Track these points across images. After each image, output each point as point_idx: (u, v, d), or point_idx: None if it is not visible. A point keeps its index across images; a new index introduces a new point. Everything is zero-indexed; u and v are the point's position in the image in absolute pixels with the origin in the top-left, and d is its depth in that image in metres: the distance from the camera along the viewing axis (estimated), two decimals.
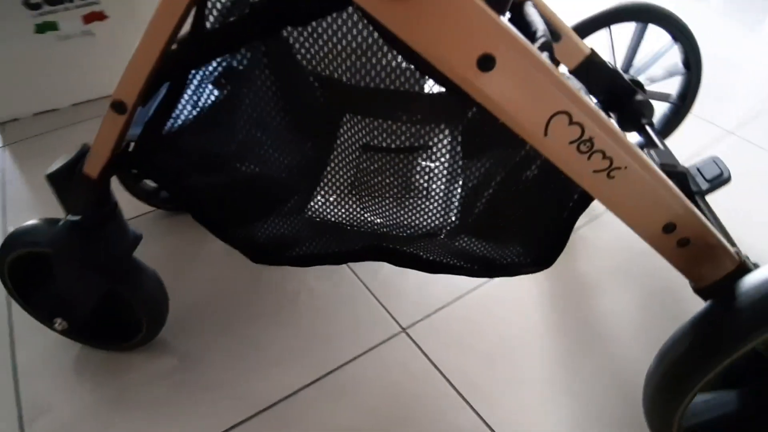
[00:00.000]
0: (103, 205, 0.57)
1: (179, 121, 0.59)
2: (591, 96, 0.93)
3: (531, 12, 0.73)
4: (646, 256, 0.91)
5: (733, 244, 0.55)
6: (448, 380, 0.75)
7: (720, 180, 0.77)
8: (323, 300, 0.86)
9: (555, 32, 0.83)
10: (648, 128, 0.88)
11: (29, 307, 0.73)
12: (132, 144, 0.56)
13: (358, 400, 0.73)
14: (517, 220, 0.63)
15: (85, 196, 0.55)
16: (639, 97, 0.91)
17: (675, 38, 0.98)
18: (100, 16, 1.20)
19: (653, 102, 0.94)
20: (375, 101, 0.84)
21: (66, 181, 0.58)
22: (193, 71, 0.62)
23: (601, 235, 0.99)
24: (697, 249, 0.52)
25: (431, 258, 0.63)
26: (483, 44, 0.40)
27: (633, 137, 0.95)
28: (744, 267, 0.52)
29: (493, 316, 0.85)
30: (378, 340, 0.80)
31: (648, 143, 0.87)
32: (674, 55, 1.02)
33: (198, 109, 0.62)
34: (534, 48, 0.41)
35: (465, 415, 0.72)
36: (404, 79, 0.81)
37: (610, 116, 0.95)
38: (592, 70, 0.88)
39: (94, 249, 0.59)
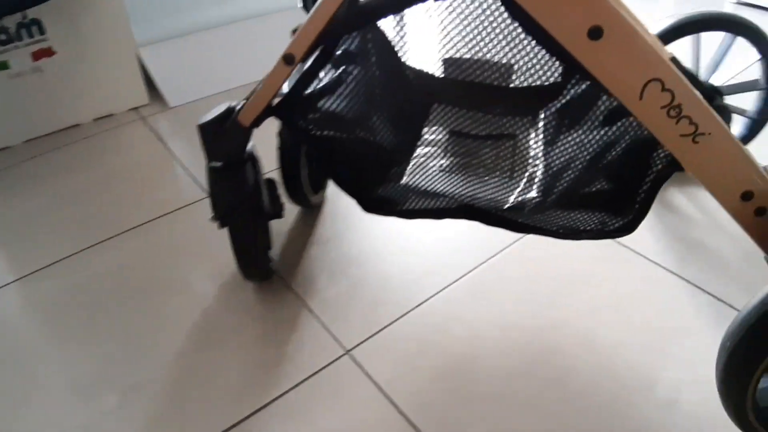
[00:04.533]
0: (242, 153, 0.69)
1: (314, 88, 0.70)
2: None
3: None
4: (593, 265, 0.93)
5: None
6: (392, 402, 0.74)
7: None
8: (267, 326, 0.84)
9: None
10: None
11: None
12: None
13: (301, 428, 0.71)
14: (602, 193, 0.70)
15: (235, 142, 0.66)
16: (717, 103, 0.96)
17: (762, 53, 1.02)
18: (48, 53, 1.23)
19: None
20: (462, 94, 0.94)
21: (213, 132, 0.69)
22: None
23: (550, 249, 0.97)
24: None
25: (520, 221, 0.70)
26: (593, 17, 0.49)
27: None
28: None
29: (440, 331, 0.83)
30: (322, 364, 0.78)
31: None
32: (756, 71, 1.06)
33: (325, 82, 0.73)
34: (632, 22, 0.49)
35: None
36: (490, 73, 0.91)
37: None
38: None
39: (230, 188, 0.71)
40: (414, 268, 0.93)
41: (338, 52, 0.78)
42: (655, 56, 0.50)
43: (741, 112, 1.08)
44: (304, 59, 0.59)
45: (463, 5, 0.67)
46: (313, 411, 0.73)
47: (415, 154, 0.89)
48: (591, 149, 0.74)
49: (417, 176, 0.83)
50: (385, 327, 0.84)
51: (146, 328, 0.84)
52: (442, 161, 0.88)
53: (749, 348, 0.58)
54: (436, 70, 0.95)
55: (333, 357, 0.79)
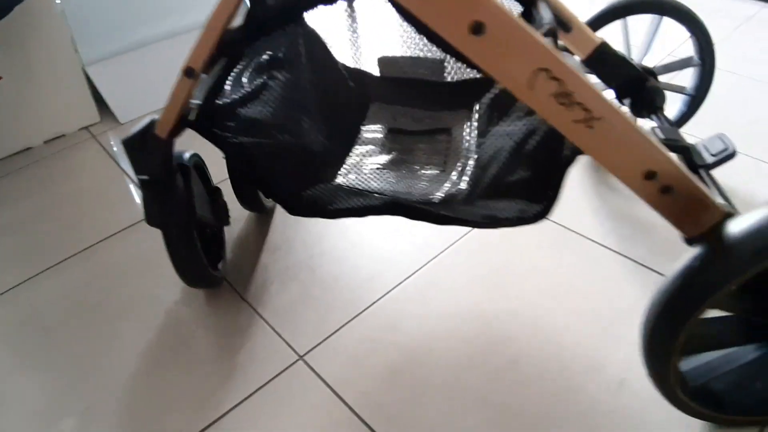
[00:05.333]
0: (167, 165, 0.69)
1: (234, 96, 0.70)
2: (605, 84, 0.99)
3: (542, 7, 0.82)
4: (540, 252, 0.94)
5: (728, 201, 0.60)
6: (346, 404, 0.74)
7: (725, 154, 0.81)
8: (220, 337, 0.84)
9: (565, 23, 0.91)
10: (659, 112, 0.94)
11: None
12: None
13: None
14: (523, 181, 0.71)
15: (155, 156, 0.66)
16: (650, 84, 0.97)
17: (690, 31, 1.03)
18: None
19: (670, 93, 0.99)
20: (399, 91, 0.94)
21: (136, 146, 0.70)
22: (246, 59, 0.74)
23: (497, 241, 0.98)
24: (681, 198, 0.58)
25: (444, 213, 0.71)
26: (473, 13, 0.49)
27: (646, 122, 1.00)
28: (731, 216, 0.58)
29: (392, 330, 0.84)
30: (275, 371, 0.78)
31: (660, 125, 0.93)
32: (690, 49, 1.07)
33: (247, 89, 0.73)
34: (515, 16, 0.50)
35: None
36: (424, 69, 0.91)
37: (623, 103, 1.01)
38: (603, 59, 0.95)
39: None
40: (364, 270, 0.94)
41: (264, 58, 0.79)
42: (540, 46, 0.51)
43: (680, 90, 1.09)
44: (206, 70, 0.60)
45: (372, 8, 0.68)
46: (268, 419, 0.73)
47: (351, 154, 0.89)
48: (517, 138, 0.75)
49: (352, 175, 0.84)
50: (337, 330, 0.84)
51: (99, 350, 0.84)
52: (378, 158, 0.89)
53: (665, 325, 0.59)
54: (373, 69, 0.96)
55: (286, 364, 0.80)
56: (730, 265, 0.54)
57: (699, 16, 1.01)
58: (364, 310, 0.87)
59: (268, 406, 0.74)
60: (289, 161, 0.74)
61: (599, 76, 0.97)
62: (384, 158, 0.88)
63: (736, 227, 0.55)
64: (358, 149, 0.89)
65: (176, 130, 0.64)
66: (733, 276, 0.54)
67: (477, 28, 0.50)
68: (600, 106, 0.53)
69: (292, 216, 1.05)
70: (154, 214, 0.73)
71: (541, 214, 0.66)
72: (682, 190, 0.58)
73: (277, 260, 0.97)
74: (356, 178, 0.81)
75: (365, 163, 0.86)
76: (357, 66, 0.93)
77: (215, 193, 0.89)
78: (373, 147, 0.89)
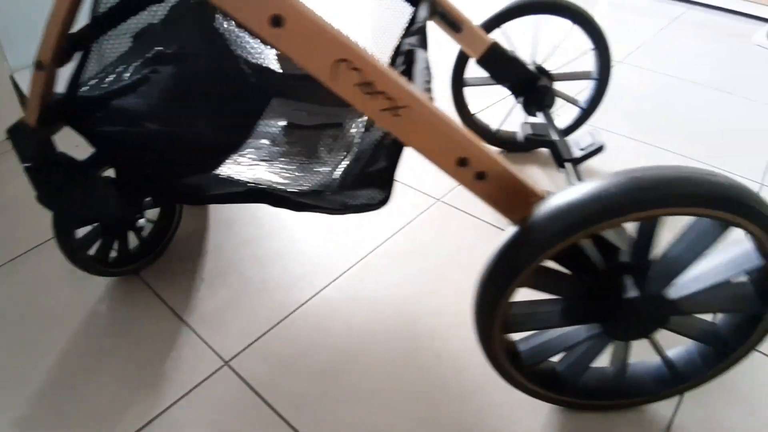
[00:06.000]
0: (47, 153, 0.74)
1: (109, 89, 0.75)
2: (499, 82, 1.03)
3: (421, 7, 0.86)
4: (463, 249, 0.97)
5: None
6: (271, 407, 0.75)
7: (592, 149, 0.85)
8: (144, 346, 0.84)
9: (456, 24, 0.95)
10: (546, 110, 0.97)
11: None
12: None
13: None
14: (381, 171, 0.75)
15: (32, 143, 0.71)
16: (541, 84, 1.00)
17: (594, 44, 1.06)
18: None
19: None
20: (299, 86, 0.99)
21: (17, 134, 0.74)
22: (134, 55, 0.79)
23: (420, 241, 1.01)
24: (497, 183, 0.62)
25: (300, 201, 0.74)
26: (272, 7, 0.54)
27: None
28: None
29: (320, 330, 0.85)
30: (200, 378, 0.79)
31: (549, 122, 0.96)
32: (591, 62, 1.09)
33: (126, 82, 0.78)
34: (311, 9, 0.54)
35: None
36: None
37: (519, 100, 1.04)
38: (495, 59, 0.99)
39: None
40: (293, 272, 0.96)
41: (153, 53, 0.83)
42: (339, 38, 0.54)
43: (573, 102, 1.12)
44: (59, 63, 0.65)
45: None
46: (193, 425, 0.73)
47: (243, 146, 0.94)
48: (383, 131, 0.79)
49: (235, 166, 0.88)
50: (264, 333, 0.85)
51: (23, 362, 0.83)
52: (267, 151, 0.93)
53: (485, 299, 0.62)
54: (275, 65, 1.01)
55: (212, 369, 0.80)
56: (534, 244, 0.57)
57: (600, 27, 1.03)
58: (293, 312, 0.88)
59: (193, 413, 0.75)
60: (165, 150, 0.78)
61: (492, 75, 1.01)
62: (274, 150, 0.92)
63: (542, 210, 0.58)
64: (252, 142, 0.93)
65: (42, 120, 0.69)
66: (537, 253, 0.57)
67: (276, 21, 0.54)
68: (403, 95, 0.57)
69: (222, 220, 1.07)
70: (41, 197, 0.78)
71: (385, 200, 0.70)
72: (496, 177, 0.61)
73: (205, 265, 0.97)
74: (237, 168, 0.85)
75: (251, 156, 0.90)
76: (259, 62, 0.98)
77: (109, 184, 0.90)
78: (265, 141, 0.93)
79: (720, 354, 0.70)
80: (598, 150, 0.85)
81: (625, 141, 1.30)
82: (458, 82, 1.11)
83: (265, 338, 0.84)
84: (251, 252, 1.00)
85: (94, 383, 0.79)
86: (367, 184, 0.75)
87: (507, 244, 0.60)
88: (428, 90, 0.65)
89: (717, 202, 0.53)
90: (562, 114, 1.23)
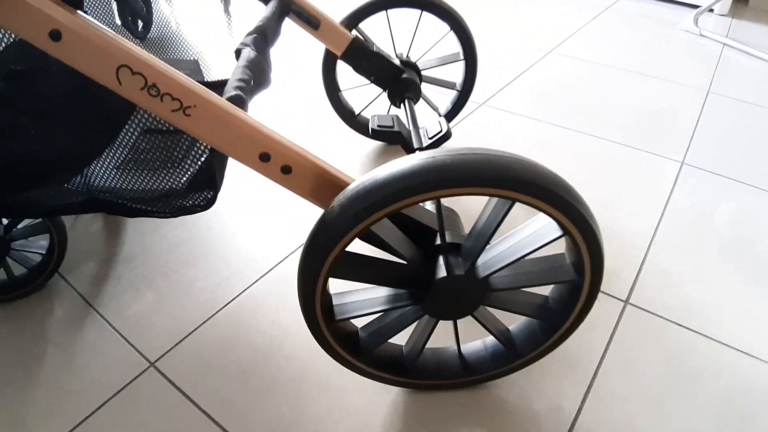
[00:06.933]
0: None
1: None
2: (364, 76, 1.05)
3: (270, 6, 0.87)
4: None
5: None
6: (198, 407, 0.76)
7: (439, 136, 0.87)
8: (70, 351, 0.84)
9: (312, 21, 0.97)
10: (408, 102, 1.00)
11: None
12: None
13: None
14: (204, 171, 0.76)
15: None
16: (406, 76, 1.02)
17: (452, 28, 1.09)
18: None
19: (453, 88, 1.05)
20: None
21: None
22: None
23: None
24: (304, 175, 0.64)
25: (135, 207, 0.76)
26: (49, 23, 0.55)
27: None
28: None
29: (246, 327, 0.86)
30: (126, 380, 0.79)
31: (411, 115, 0.99)
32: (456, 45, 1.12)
33: None
34: (91, 20, 0.56)
35: None
36: (186, 70, 0.97)
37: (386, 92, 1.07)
38: (357, 54, 1.01)
39: None
40: (221, 271, 0.97)
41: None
42: (115, 46, 0.56)
43: (452, 86, 1.15)
44: None
45: None
46: (119, 428, 0.74)
47: (98, 157, 0.94)
48: None
49: (81, 178, 0.88)
50: (190, 333, 0.86)
51: None
52: (120, 160, 0.93)
53: (303, 280, 0.63)
54: None
55: (137, 371, 0.81)
56: (333, 229, 0.59)
57: (458, 13, 1.06)
58: (219, 310, 0.90)
59: (119, 416, 0.75)
60: (17, 165, 0.79)
61: (356, 69, 1.03)
62: (129, 158, 0.93)
63: (342, 194, 0.60)
64: (109, 153, 0.94)
65: None
66: (337, 238, 0.59)
67: (55, 36, 0.56)
68: (187, 95, 0.59)
69: (148, 225, 1.07)
70: None
71: (213, 199, 0.72)
72: (301, 169, 0.63)
73: (132, 269, 0.98)
74: (81, 180, 0.86)
75: (100, 166, 0.90)
76: None
77: None
78: (121, 150, 0.94)
79: (553, 326, 0.73)
80: (445, 137, 0.87)
81: (545, 127, 1.34)
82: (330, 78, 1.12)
83: (191, 338, 0.85)
84: (179, 254, 1.01)
85: (15, 390, 0.79)
86: (198, 186, 0.77)
87: (313, 232, 0.62)
88: (241, 88, 0.67)
89: (500, 182, 0.55)
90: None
